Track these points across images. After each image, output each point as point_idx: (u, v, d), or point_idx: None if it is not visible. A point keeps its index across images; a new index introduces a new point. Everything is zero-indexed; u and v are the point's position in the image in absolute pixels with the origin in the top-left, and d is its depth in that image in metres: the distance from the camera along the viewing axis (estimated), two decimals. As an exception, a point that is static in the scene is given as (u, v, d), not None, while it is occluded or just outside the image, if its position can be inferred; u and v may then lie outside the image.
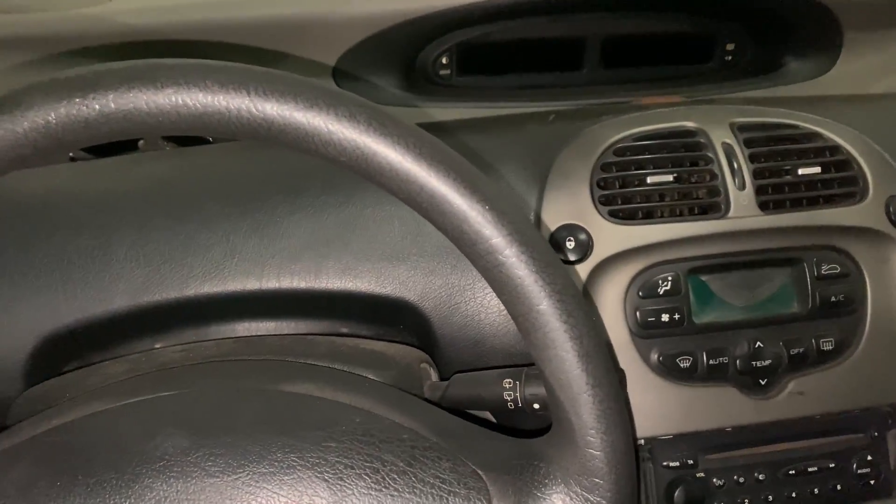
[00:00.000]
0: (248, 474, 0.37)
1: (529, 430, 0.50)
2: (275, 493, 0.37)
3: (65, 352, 0.60)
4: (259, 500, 0.37)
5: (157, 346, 0.61)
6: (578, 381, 0.37)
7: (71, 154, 0.77)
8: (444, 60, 0.83)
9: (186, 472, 0.37)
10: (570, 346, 0.37)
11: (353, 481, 0.37)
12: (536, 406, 0.48)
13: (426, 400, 0.50)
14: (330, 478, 0.37)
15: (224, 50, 0.76)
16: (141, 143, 0.74)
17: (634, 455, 0.39)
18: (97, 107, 0.34)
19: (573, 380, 0.37)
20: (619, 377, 0.51)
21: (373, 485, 0.37)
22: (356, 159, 0.36)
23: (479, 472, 0.39)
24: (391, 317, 0.63)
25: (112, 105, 0.34)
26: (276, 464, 0.37)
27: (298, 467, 0.37)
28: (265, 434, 0.38)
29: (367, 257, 0.61)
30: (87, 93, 0.34)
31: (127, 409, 0.41)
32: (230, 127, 0.35)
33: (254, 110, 0.35)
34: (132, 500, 0.36)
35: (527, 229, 0.37)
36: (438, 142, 0.37)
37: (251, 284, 0.59)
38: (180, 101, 0.34)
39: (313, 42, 0.78)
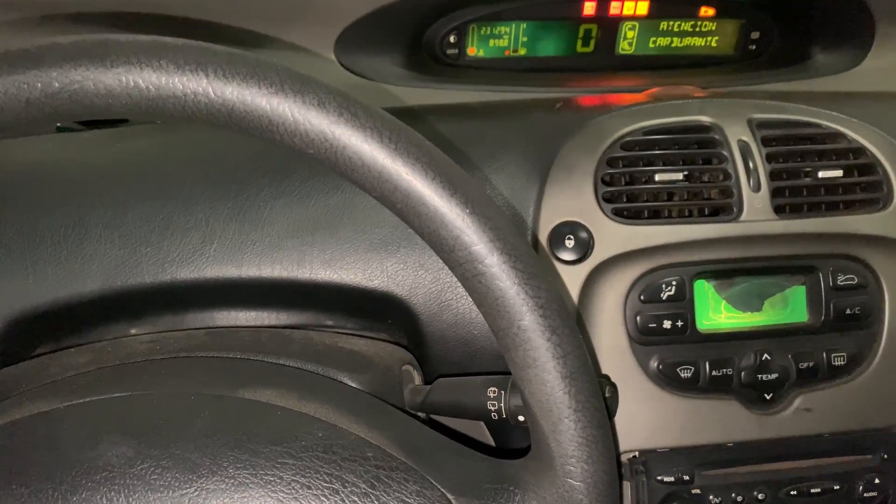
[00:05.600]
0: (195, 490, 0.34)
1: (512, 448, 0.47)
2: None
3: (35, 334, 0.57)
4: None
5: (133, 331, 0.59)
6: (560, 404, 0.34)
7: (58, 124, 0.74)
8: (451, 39, 0.80)
9: (129, 485, 0.34)
10: (553, 365, 0.34)
11: (309, 503, 0.34)
12: (521, 418, 0.45)
13: (401, 409, 0.47)
14: (284, 498, 0.34)
15: (223, 16, 0.72)
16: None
17: (618, 487, 0.36)
18: (39, 85, 0.31)
19: (554, 403, 0.34)
20: (611, 391, 0.48)
21: None
22: (325, 152, 0.32)
23: (448, 496, 0.36)
24: (378, 311, 0.60)
25: (55, 84, 0.31)
26: (227, 480, 0.34)
27: (251, 485, 0.34)
28: (218, 446, 0.35)
29: (354, 248, 0.58)
30: (28, 70, 0.31)
31: (72, 411, 0.38)
32: (186, 111, 0.32)
33: (212, 94, 0.31)
34: None
35: (510, 236, 0.33)
36: (417, 135, 0.33)
37: (230, 272, 0.56)
38: (131, 82, 0.31)
39: (315, 14, 0.74)
